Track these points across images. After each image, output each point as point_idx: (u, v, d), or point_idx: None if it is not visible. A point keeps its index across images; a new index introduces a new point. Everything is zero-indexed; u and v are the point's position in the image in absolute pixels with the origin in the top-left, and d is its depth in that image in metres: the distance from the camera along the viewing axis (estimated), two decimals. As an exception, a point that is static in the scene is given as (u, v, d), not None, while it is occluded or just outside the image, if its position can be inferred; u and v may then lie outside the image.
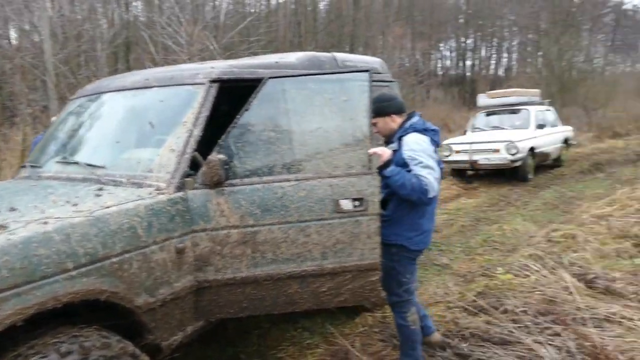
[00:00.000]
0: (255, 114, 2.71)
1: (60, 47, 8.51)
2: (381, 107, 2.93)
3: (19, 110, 9.76)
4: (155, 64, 10.41)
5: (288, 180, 2.64)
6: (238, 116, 2.69)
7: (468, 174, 10.60)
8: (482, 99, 11.81)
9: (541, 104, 11.85)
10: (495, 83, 32.06)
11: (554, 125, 11.45)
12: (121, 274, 2.24)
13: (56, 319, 2.11)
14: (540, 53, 24.68)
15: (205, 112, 2.77)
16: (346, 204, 2.64)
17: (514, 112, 10.92)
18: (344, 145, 2.71)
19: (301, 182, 2.63)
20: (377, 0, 34.39)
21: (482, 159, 9.52)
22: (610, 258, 4.81)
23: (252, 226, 2.61)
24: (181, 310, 2.63)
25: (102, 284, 2.15)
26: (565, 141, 11.80)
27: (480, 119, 11.34)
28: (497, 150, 9.43)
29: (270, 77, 2.73)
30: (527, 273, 4.50)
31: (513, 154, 9.29)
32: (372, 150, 2.68)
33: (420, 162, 2.71)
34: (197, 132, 2.72)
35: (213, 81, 2.84)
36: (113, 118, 3.19)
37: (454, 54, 40.94)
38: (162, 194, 2.55)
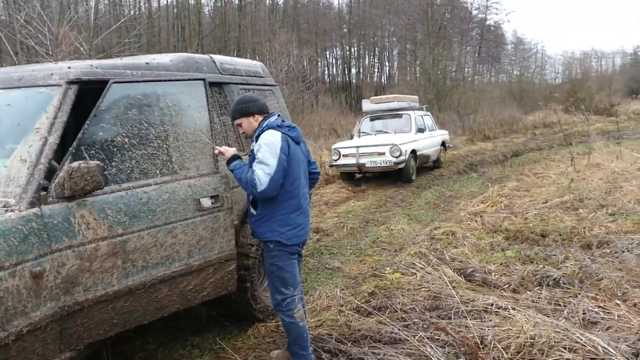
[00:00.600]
0: (105, 119, 2.56)
1: None
2: (244, 108, 2.99)
3: None
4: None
5: (149, 185, 2.62)
6: (88, 122, 2.49)
7: (356, 177, 10.90)
8: (366, 105, 12.19)
9: (420, 109, 12.55)
10: (379, 89, 33.70)
11: (432, 129, 12.10)
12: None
13: None
14: (417, 62, 26.36)
15: (63, 117, 2.44)
16: (206, 202, 2.86)
17: (396, 116, 11.38)
18: (192, 148, 2.89)
19: (162, 185, 2.67)
20: (263, 7, 34.51)
21: (368, 162, 9.83)
22: (485, 252, 5.16)
23: (122, 235, 2.49)
24: (42, 343, 2.28)
25: None
26: (443, 144, 12.52)
27: (365, 123, 11.67)
28: (382, 153, 9.74)
29: (114, 82, 2.64)
30: (414, 271, 4.65)
31: (397, 157, 9.63)
32: (217, 150, 3.03)
33: (258, 158, 2.82)
34: (54, 139, 2.39)
35: (71, 82, 2.52)
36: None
37: (339, 62, 42.38)
38: (12, 211, 2.20)
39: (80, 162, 2.31)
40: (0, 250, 2.06)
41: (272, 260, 2.99)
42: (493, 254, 5.06)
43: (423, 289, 4.23)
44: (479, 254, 5.11)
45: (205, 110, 3.10)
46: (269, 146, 2.80)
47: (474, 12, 40.51)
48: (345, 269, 5.30)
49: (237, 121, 3.00)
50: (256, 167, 2.79)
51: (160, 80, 2.97)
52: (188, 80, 3.10)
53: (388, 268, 4.80)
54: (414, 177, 10.36)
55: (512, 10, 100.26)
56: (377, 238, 6.34)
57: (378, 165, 9.80)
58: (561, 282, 3.95)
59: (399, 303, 3.97)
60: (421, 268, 4.67)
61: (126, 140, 2.60)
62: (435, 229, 6.14)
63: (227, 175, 3.11)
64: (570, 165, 9.21)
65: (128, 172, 2.60)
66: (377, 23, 39.73)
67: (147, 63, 3.04)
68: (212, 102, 3.23)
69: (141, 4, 29.35)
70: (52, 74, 2.56)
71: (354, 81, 40.05)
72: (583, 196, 6.79)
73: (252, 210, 3.00)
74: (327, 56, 42.13)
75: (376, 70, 44.25)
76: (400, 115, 11.36)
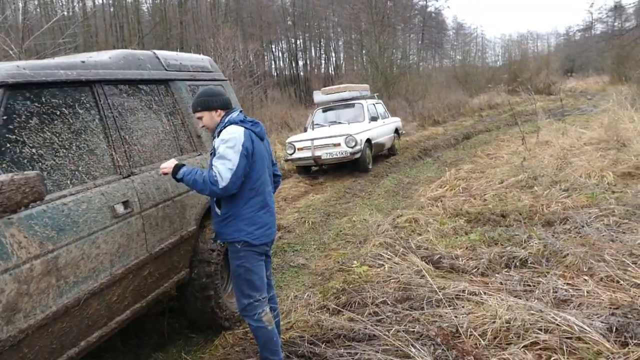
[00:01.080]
0: (7, 128, 2.29)
1: None
2: (207, 101, 2.86)
3: None
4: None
5: (65, 196, 2.43)
6: None
7: (313, 170, 10.76)
8: (317, 96, 11.97)
9: (372, 97, 12.49)
10: (327, 81, 33.64)
11: (384, 117, 12.04)
12: None
13: None
14: (364, 51, 26.45)
15: (-12, 126, 2.15)
16: (119, 208, 2.72)
17: (348, 106, 11.26)
18: (90, 154, 2.68)
19: (76, 195, 2.50)
20: (204, 2, 33.63)
21: (324, 154, 9.70)
22: (449, 236, 5.14)
23: (52, 251, 2.29)
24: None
25: None
26: (396, 131, 12.51)
27: (318, 115, 11.52)
28: (337, 144, 9.62)
29: (6, 86, 2.32)
30: (381, 262, 4.57)
31: (352, 147, 9.53)
32: (161, 171, 2.88)
33: (219, 153, 2.69)
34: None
35: (-5, 86, 2.23)
36: None
37: (285, 55, 42.03)
38: None
39: (11, 174, 2.04)
40: None
41: (239, 262, 2.85)
42: (457, 238, 5.05)
43: (392, 280, 4.14)
44: (444, 239, 5.09)
45: (97, 112, 2.80)
46: (230, 141, 2.69)
47: (415, 0, 41.08)
48: (311, 265, 5.16)
49: (198, 114, 2.89)
50: (216, 162, 2.67)
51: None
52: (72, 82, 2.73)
53: (355, 261, 4.68)
54: (370, 167, 10.33)
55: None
56: (340, 231, 6.23)
57: (334, 156, 9.68)
58: (528, 262, 3.96)
59: (370, 297, 3.87)
60: (388, 259, 4.59)
61: (34, 150, 2.36)
62: (397, 217, 6.09)
63: (133, 179, 2.90)
64: (521, 145, 9.42)
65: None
66: (322, 14, 39.62)
67: (84, 61, 2.77)
68: (111, 104, 2.90)
69: (74, 3, 27.92)
70: (-31, 78, 2.25)
71: (302, 74, 39.80)
72: (536, 174, 6.93)
73: (217, 210, 2.87)
74: (274, 50, 41.69)
75: (323, 61, 44.20)
76: (352, 105, 11.26)
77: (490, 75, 33.39)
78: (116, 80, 2.96)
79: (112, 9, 30.71)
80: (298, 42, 41.51)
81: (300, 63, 41.56)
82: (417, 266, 4.28)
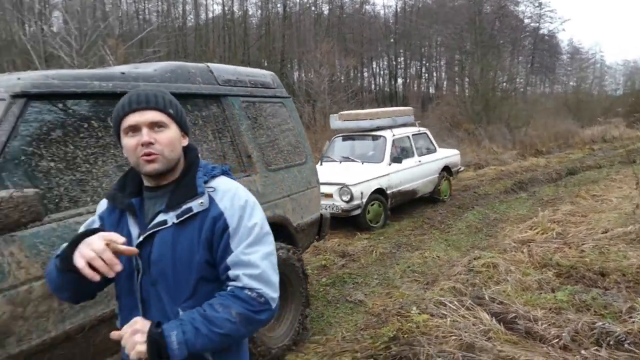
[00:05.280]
0: (25, 140, 2.15)
1: None
2: (179, 109, 1.46)
3: None
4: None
5: (80, 214, 2.23)
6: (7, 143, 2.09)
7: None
8: (334, 122, 9.12)
9: (412, 125, 9.69)
10: (426, 100, 32.80)
11: (426, 153, 9.26)
12: None
13: None
14: (465, 72, 25.38)
15: (3, 137, 2.03)
16: None
17: (370, 138, 8.75)
18: (118, 170, 2.45)
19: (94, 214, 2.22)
20: (308, 17, 34.44)
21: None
22: (531, 291, 4.44)
23: None
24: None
25: None
26: (448, 169, 9.69)
27: (336, 145, 9.03)
28: (329, 196, 7.17)
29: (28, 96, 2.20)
30: (444, 312, 4.02)
31: (347, 201, 7.21)
32: (115, 335, 1.33)
33: (242, 236, 1.40)
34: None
35: (16, 96, 2.12)
36: None
37: (385, 72, 41.77)
38: None
39: (11, 190, 1.90)
40: None
41: None
42: (541, 294, 4.34)
43: (453, 336, 3.59)
44: (524, 293, 4.40)
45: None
46: (257, 211, 1.45)
47: (526, 21, 38.86)
48: (368, 303, 4.72)
49: (159, 118, 1.36)
50: (254, 256, 1.37)
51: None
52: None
53: (415, 307, 4.18)
54: (378, 225, 7.72)
55: (568, 19, 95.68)
56: (409, 267, 5.71)
57: (327, 210, 6.89)
58: (626, 342, 3.21)
59: (423, 354, 3.36)
60: (454, 310, 4.03)
61: (52, 165, 2.21)
62: (474, 259, 5.44)
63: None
64: (635, 188, 8.20)
65: (56, 201, 2.22)
66: (424, 33, 38.85)
67: (124, 73, 2.63)
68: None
69: (190, 15, 29.92)
70: (-3, 86, 2.17)
71: (400, 91, 39.31)
72: (651, 226, 5.90)
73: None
74: (373, 66, 41.60)
75: (423, 80, 43.30)
76: (375, 138, 8.63)
77: (608, 104, 30.53)
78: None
79: (222, 21, 32.46)
80: (399, 60, 41.07)
81: (400, 81, 41.08)
82: (485, 324, 3.69)
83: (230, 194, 1.40)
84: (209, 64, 3.29)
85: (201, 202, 1.37)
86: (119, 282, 1.44)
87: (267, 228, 1.44)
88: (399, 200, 8.38)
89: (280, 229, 3.62)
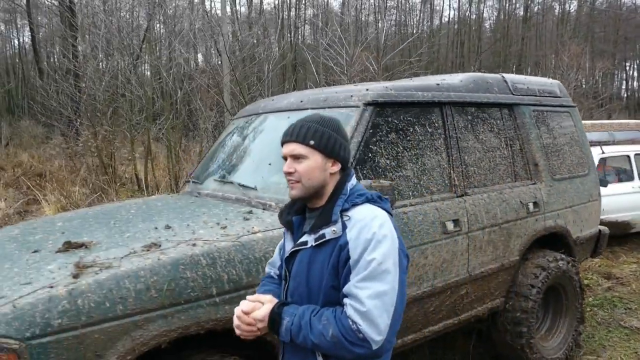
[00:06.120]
0: (372, 140, 2.65)
1: (233, 68, 9.23)
2: (327, 136, 1.52)
3: (198, 125, 10.87)
4: (317, 85, 10.77)
5: (405, 206, 2.70)
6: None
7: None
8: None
9: None
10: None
11: None
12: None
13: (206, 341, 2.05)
14: None
15: (358, 137, 2.55)
16: (449, 225, 2.83)
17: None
18: (432, 170, 2.85)
19: (415, 206, 2.74)
20: (551, 17, 31.79)
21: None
22: None
23: None
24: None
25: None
26: None
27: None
28: None
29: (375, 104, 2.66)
30: None
31: None
32: (244, 329, 1.52)
33: (359, 271, 1.41)
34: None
35: (367, 104, 2.63)
36: (267, 139, 3.14)
37: (642, 75, 35.93)
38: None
39: (370, 180, 2.35)
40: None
41: None
42: None
43: None
44: None
45: (442, 132, 2.98)
46: (384, 244, 1.41)
47: None
48: (645, 332, 4.28)
49: (298, 150, 1.51)
50: (363, 292, 1.36)
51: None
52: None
53: None
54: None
55: None
56: (694, 300, 4.95)
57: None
58: None
59: None
60: None
61: (388, 162, 2.67)
62: None
63: (465, 199, 2.93)
64: None
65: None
66: None
67: (438, 84, 2.98)
68: (456, 125, 3.04)
69: (424, 22, 30.60)
70: (351, 96, 2.71)
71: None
72: None
73: None
74: (627, 68, 36.18)
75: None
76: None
77: None
78: (463, 102, 3.07)
79: (456, 26, 32.29)
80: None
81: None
82: None
83: (360, 225, 1.43)
84: (503, 74, 3.46)
85: (334, 230, 1.45)
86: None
87: (388, 265, 1.40)
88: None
89: (560, 240, 3.60)
